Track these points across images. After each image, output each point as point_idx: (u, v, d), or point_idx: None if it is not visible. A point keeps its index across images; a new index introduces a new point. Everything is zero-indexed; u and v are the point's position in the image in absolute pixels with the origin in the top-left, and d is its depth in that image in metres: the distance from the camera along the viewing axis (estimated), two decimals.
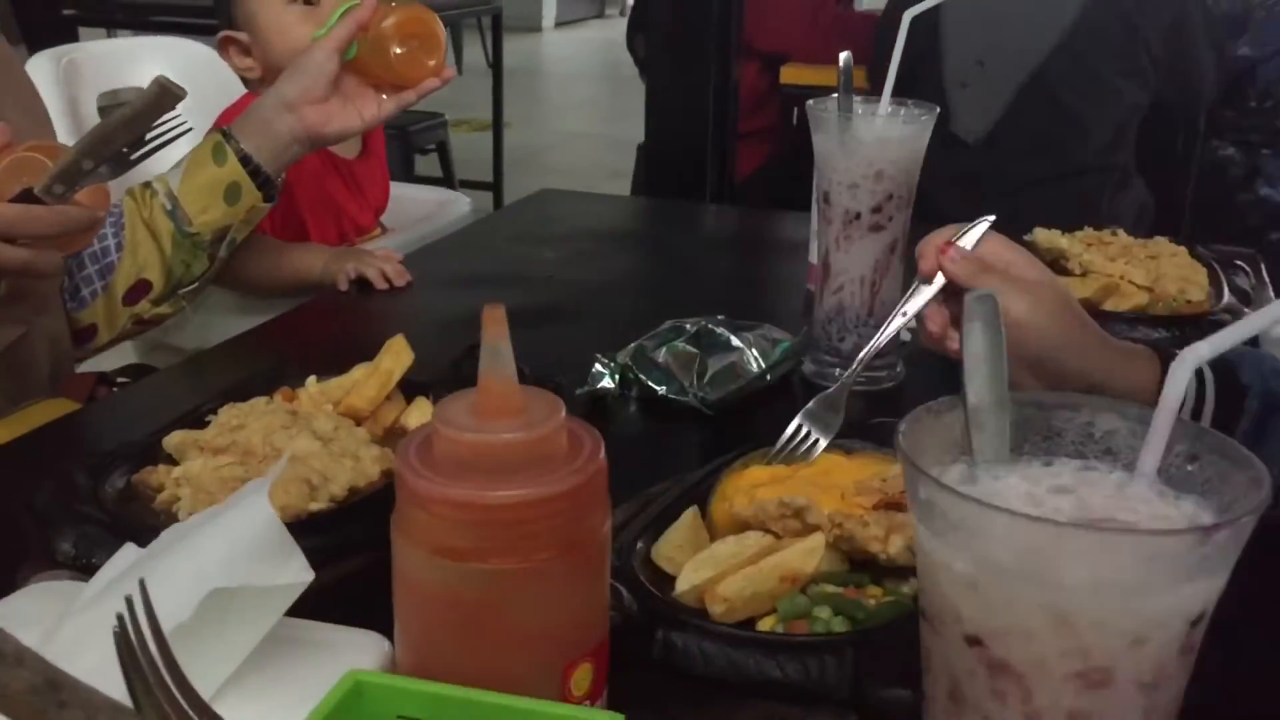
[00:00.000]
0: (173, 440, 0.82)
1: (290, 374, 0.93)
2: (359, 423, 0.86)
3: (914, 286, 0.82)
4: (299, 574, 0.44)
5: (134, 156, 0.92)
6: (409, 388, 0.91)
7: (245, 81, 1.51)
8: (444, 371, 0.95)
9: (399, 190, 1.64)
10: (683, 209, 1.80)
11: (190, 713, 0.35)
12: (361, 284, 1.29)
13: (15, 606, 0.51)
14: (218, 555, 0.42)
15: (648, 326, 1.06)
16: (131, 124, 0.89)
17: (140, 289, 1.16)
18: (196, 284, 1.19)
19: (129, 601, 0.34)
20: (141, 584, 0.34)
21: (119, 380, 1.16)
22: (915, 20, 0.96)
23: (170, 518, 0.73)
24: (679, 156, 2.16)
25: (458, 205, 1.70)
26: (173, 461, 0.81)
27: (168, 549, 0.45)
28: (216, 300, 1.37)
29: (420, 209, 1.67)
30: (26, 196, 0.88)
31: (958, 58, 2.22)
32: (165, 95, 0.87)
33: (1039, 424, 0.43)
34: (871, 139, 0.96)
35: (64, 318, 1.13)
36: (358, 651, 0.47)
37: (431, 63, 1.20)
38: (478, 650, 0.44)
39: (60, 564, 0.70)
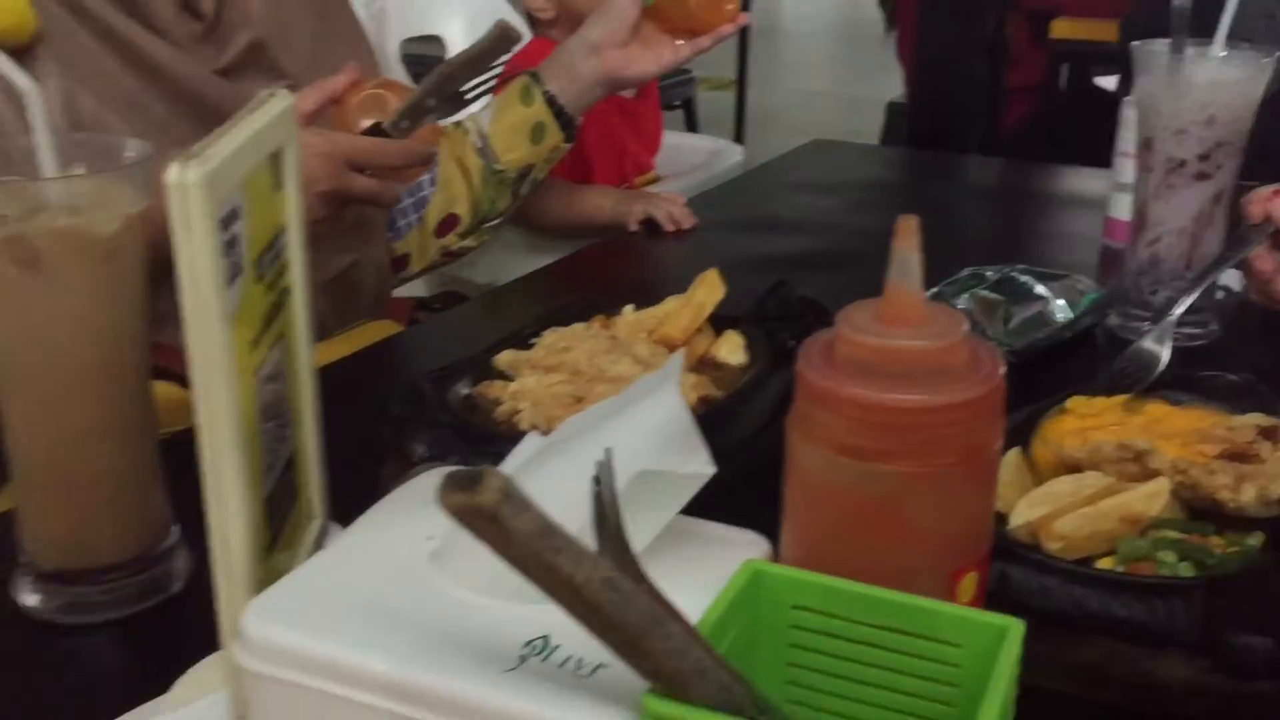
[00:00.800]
0: (504, 358, 0.87)
1: (601, 304, 0.97)
2: (673, 350, 0.89)
3: (1239, 233, 0.80)
4: (703, 466, 0.47)
5: (469, 96, 0.98)
6: (717, 321, 0.94)
7: (534, 23, 1.57)
8: (746, 308, 0.97)
9: (674, 139, 1.68)
10: (957, 162, 1.76)
11: (642, 573, 0.39)
12: (649, 226, 1.33)
13: (419, 488, 0.56)
14: (634, 441, 0.46)
15: (938, 274, 1.05)
16: (473, 65, 0.94)
17: (450, 223, 1.23)
18: (499, 219, 1.26)
19: (600, 465, 0.37)
20: (608, 452, 0.37)
21: (434, 306, 1.24)
22: None
23: (510, 427, 0.79)
24: (944, 111, 2.12)
25: (731, 154, 1.72)
26: (504, 377, 0.86)
27: (580, 435, 0.49)
28: (506, 239, 1.44)
29: (694, 157, 1.70)
30: (375, 131, 0.94)
31: (1243, 11, 2.08)
32: (505, 38, 0.92)
33: None
34: (1205, 82, 0.92)
35: (384, 247, 1.21)
36: (742, 547, 0.50)
37: (729, 7, 1.22)
38: (871, 549, 0.46)
39: (415, 464, 0.76)
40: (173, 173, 0.44)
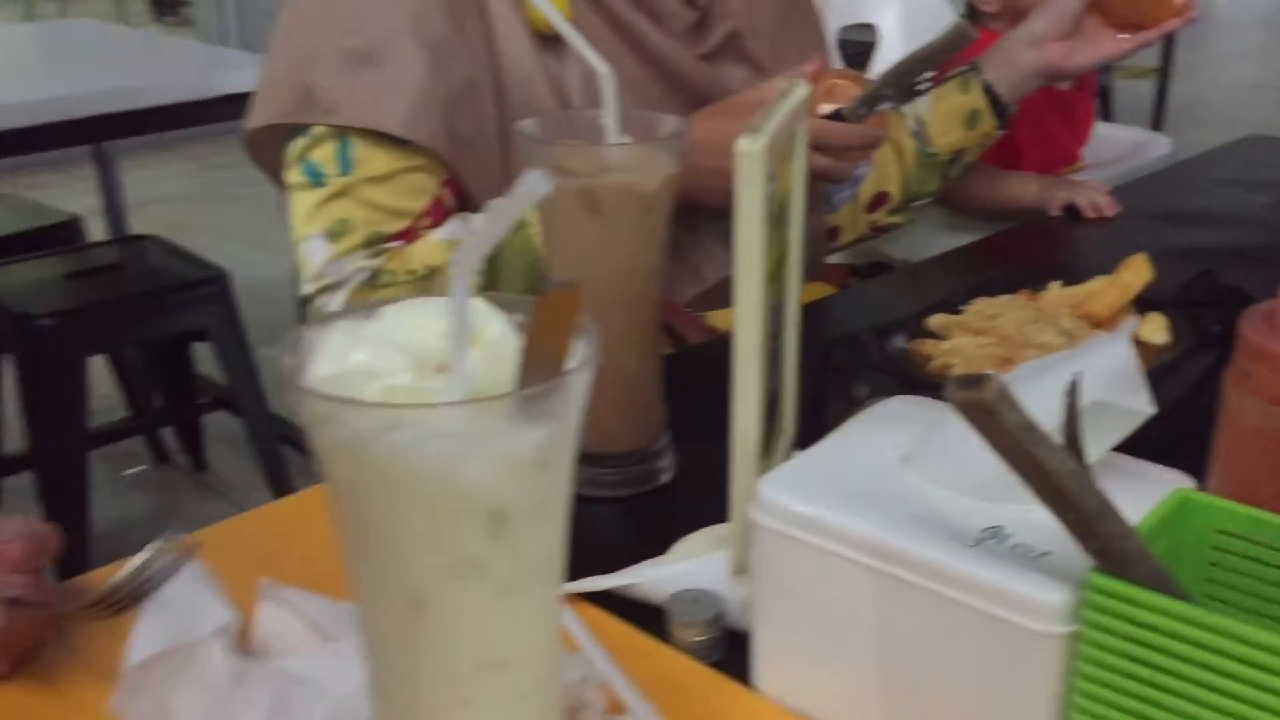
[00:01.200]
0: (936, 320, 0.97)
1: (1026, 280, 1.05)
2: (1095, 327, 0.96)
3: None
4: (1145, 405, 0.56)
5: (919, 89, 1.08)
6: (1141, 304, 0.99)
7: (976, 14, 1.64)
8: (1169, 293, 1.02)
9: (1099, 129, 1.70)
10: None
11: (1093, 474, 0.48)
12: (1068, 212, 1.38)
13: (875, 415, 0.68)
14: (1088, 377, 0.55)
15: None
16: (928, 60, 1.04)
17: (880, 200, 1.35)
18: (927, 199, 1.36)
19: (1072, 383, 0.47)
20: (1079, 373, 0.47)
21: (863, 274, 1.36)
22: None
23: (942, 379, 0.89)
24: None
25: (1157, 145, 1.72)
26: (935, 337, 0.97)
27: (1038, 374, 0.59)
28: (928, 217, 1.53)
29: (1119, 148, 1.71)
30: (836, 116, 1.07)
31: None
32: (962, 37, 1.01)
33: None
34: None
35: (819, 219, 1.34)
36: (1170, 482, 0.58)
37: (1179, 1, 1.24)
38: None
39: (858, 402, 0.89)
40: (743, 143, 0.58)
